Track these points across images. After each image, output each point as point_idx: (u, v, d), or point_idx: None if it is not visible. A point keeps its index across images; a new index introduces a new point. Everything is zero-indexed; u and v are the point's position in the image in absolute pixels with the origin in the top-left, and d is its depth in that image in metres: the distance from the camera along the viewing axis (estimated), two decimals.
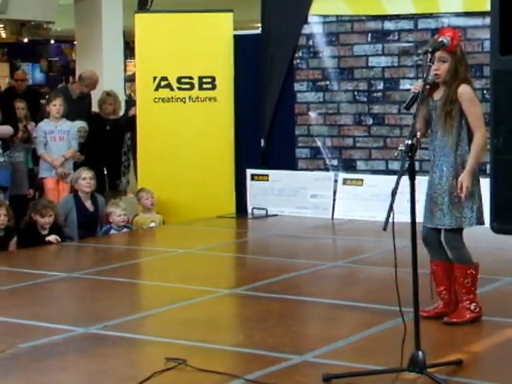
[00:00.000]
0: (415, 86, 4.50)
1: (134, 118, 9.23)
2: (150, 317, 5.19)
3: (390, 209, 3.85)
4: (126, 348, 4.51)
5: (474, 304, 4.80)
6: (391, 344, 4.31)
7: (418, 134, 4.01)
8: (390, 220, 3.79)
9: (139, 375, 3.97)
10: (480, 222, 4.79)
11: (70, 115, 8.76)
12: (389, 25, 8.57)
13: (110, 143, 9.38)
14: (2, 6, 10.63)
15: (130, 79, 9.95)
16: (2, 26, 13.80)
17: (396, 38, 8.53)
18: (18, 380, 4.06)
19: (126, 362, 4.28)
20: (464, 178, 4.67)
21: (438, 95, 4.78)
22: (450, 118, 4.69)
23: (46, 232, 7.49)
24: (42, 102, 9.76)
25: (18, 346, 4.49)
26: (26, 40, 16.44)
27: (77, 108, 8.76)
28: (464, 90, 4.69)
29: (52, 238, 7.44)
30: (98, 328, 4.82)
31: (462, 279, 4.77)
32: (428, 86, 4.63)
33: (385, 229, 4.37)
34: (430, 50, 4.32)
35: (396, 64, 8.51)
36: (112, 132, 9.47)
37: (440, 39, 4.42)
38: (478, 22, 8.14)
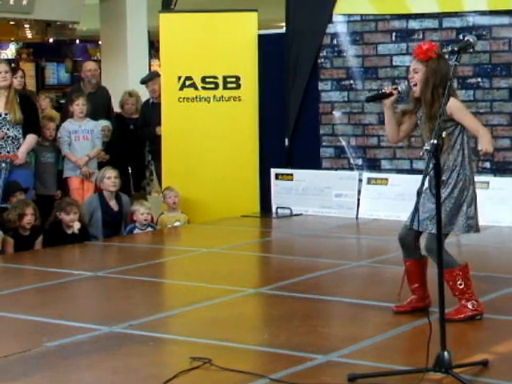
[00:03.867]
0: (388, 88, 4.87)
1: (158, 136, 9.20)
2: (174, 316, 5.21)
3: (416, 208, 3.84)
4: (151, 347, 4.52)
5: (470, 302, 4.80)
6: (416, 344, 4.30)
7: (440, 139, 3.97)
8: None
9: (164, 374, 3.99)
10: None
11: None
12: (413, 24, 8.54)
13: (133, 142, 9.42)
14: (28, 6, 10.70)
15: (146, 80, 9.86)
16: (27, 26, 13.90)
17: (420, 37, 8.49)
18: (44, 378, 4.08)
19: (151, 361, 4.29)
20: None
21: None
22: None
23: (70, 231, 7.53)
24: None
25: (44, 344, 4.52)
26: (51, 40, 16.54)
27: (90, 103, 8.79)
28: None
29: (75, 226, 7.46)
30: (123, 327, 4.84)
31: (452, 282, 4.76)
32: (397, 92, 4.87)
33: (410, 228, 4.36)
34: (455, 49, 4.30)
35: None
36: (135, 131, 9.50)
37: (466, 38, 4.39)
38: (503, 20, 8.09)
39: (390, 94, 4.91)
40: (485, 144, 4.67)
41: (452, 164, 4.73)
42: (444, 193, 4.68)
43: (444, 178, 4.70)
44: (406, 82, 4.93)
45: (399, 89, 4.91)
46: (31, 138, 8.03)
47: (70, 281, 6.14)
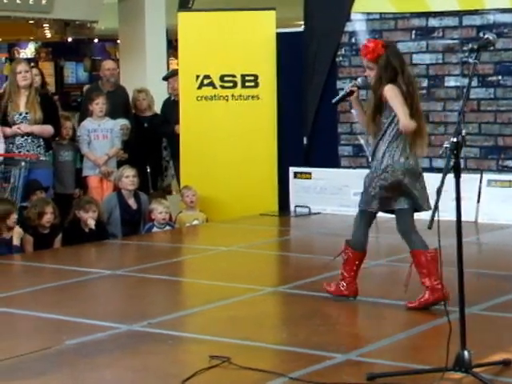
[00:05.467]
0: (348, 87, 5.16)
1: (178, 135, 9.22)
2: (193, 314, 5.21)
3: (435, 207, 3.82)
4: (170, 345, 4.53)
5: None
6: (436, 343, 4.28)
7: (460, 136, 3.94)
8: (435, 218, 3.76)
9: (183, 373, 3.99)
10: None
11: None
12: (433, 22, 8.50)
13: (150, 140, 9.43)
14: (47, 5, 10.75)
15: (168, 76, 9.92)
16: (46, 25, 13.95)
17: (440, 34, 8.45)
18: (64, 376, 4.10)
19: (170, 360, 4.30)
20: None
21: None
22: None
23: (87, 228, 7.53)
24: None
25: (64, 342, 4.54)
26: (70, 39, 16.60)
27: (109, 102, 8.81)
28: (386, 88, 4.95)
29: (91, 222, 7.48)
30: (142, 325, 4.85)
31: (418, 264, 4.93)
32: (356, 88, 5.14)
33: (430, 227, 4.33)
34: (475, 47, 4.27)
35: (440, 61, 8.43)
36: (151, 129, 9.51)
37: (486, 36, 4.36)
38: None
39: (352, 92, 5.17)
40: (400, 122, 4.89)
41: (381, 154, 5.09)
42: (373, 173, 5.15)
43: (375, 162, 5.14)
44: (363, 77, 5.19)
45: (357, 84, 5.19)
46: (48, 128, 8.02)
47: (89, 279, 6.16)
